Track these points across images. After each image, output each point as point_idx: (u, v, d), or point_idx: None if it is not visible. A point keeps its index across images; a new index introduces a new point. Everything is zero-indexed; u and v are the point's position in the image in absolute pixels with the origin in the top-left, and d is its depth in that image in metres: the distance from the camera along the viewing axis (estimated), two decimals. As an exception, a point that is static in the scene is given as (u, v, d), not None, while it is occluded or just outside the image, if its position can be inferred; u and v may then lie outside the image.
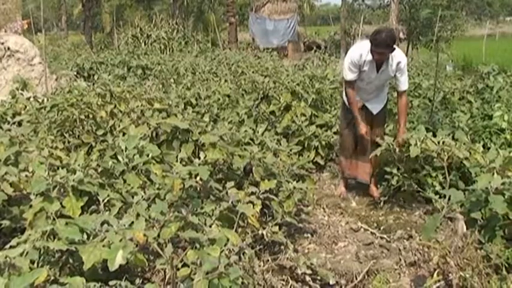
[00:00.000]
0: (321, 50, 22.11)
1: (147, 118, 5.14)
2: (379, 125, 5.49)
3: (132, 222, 3.04)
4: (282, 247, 3.93)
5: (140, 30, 20.61)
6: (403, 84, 5.19)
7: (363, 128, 5.27)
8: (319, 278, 3.62)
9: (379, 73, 5.13)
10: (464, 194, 4.11)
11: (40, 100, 6.62)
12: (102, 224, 2.95)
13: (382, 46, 4.85)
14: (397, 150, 5.05)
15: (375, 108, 5.42)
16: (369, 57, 5.02)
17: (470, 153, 4.81)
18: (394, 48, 4.93)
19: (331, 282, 3.62)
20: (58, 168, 3.72)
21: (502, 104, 6.76)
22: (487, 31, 24.21)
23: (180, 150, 4.55)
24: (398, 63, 5.04)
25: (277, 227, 3.86)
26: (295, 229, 4.60)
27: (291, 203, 4.14)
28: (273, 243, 3.92)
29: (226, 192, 3.74)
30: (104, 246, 2.75)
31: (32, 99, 6.63)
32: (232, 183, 3.85)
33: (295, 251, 3.95)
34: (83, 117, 5.30)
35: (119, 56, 14.38)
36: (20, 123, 5.58)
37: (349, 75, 5.21)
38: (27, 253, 2.72)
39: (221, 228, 3.33)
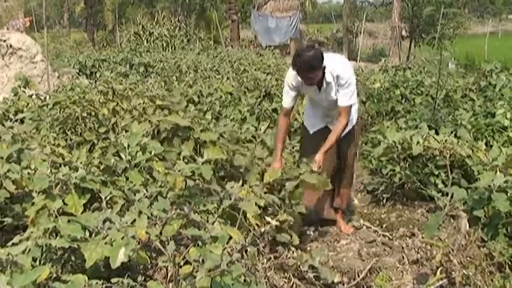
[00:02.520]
0: (324, 47, 22.09)
1: (148, 115, 5.14)
2: (348, 151, 4.67)
3: (135, 220, 3.04)
4: (285, 244, 3.93)
5: (142, 28, 20.61)
6: (342, 99, 4.26)
7: (272, 165, 4.34)
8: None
9: (321, 92, 4.33)
10: (467, 192, 4.11)
11: (42, 98, 6.64)
12: (104, 221, 2.95)
13: (305, 70, 4.04)
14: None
15: None
16: None
17: (472, 151, 4.80)
18: (324, 67, 4.09)
19: (335, 281, 3.61)
20: (60, 166, 3.72)
21: (504, 102, 6.75)
22: (490, 29, 24.18)
23: (181, 148, 4.55)
24: (338, 77, 4.20)
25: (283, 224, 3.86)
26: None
27: (298, 194, 4.10)
28: (275, 241, 3.91)
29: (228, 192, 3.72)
30: (106, 243, 2.75)
31: (34, 96, 6.64)
32: (232, 183, 3.85)
33: (299, 248, 3.94)
34: (85, 114, 5.30)
35: (121, 54, 14.40)
36: (22, 121, 5.60)
37: (285, 101, 4.45)
38: (29, 250, 2.72)
39: (223, 225, 3.32)
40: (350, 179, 4.83)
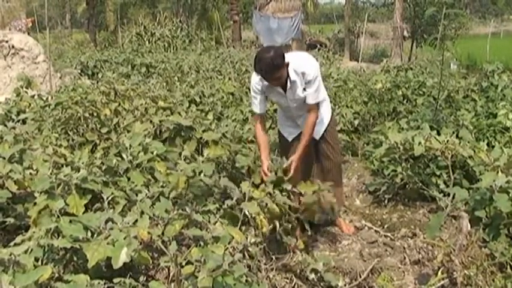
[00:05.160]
0: (326, 48, 22.10)
1: (150, 115, 5.15)
2: (330, 153, 4.52)
3: (136, 220, 3.05)
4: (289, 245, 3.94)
5: (144, 29, 20.67)
6: (310, 97, 4.13)
7: (264, 166, 4.19)
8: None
9: (287, 94, 4.18)
10: (469, 192, 4.11)
11: (44, 98, 6.65)
12: (106, 221, 2.95)
13: (270, 72, 3.89)
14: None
15: (315, 132, 4.35)
16: None
17: (474, 151, 4.79)
18: (286, 64, 3.95)
19: (339, 285, 3.62)
20: (62, 166, 3.73)
21: (506, 103, 6.74)
22: (492, 29, 24.16)
23: (183, 148, 4.55)
24: (303, 74, 4.05)
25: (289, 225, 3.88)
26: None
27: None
28: (278, 242, 3.91)
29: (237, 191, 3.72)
30: (108, 243, 2.75)
31: (36, 97, 6.66)
32: (246, 183, 3.85)
33: (303, 251, 3.95)
34: (87, 115, 5.31)
35: (123, 54, 14.43)
36: (24, 121, 5.61)
37: (254, 106, 4.31)
38: (31, 251, 2.73)
39: (225, 226, 3.33)
40: (338, 177, 4.68)
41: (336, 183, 4.52)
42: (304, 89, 4.13)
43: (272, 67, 3.85)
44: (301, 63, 4.07)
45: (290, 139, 4.50)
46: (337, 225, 4.75)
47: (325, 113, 4.48)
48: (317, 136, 4.43)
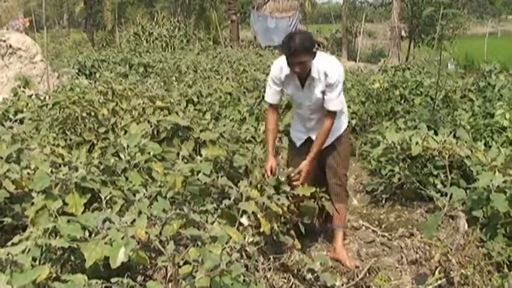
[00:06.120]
0: (323, 48, 22.11)
1: (148, 115, 5.15)
2: (337, 165, 4.27)
3: (134, 220, 3.05)
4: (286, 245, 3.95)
5: (142, 28, 20.62)
6: (331, 103, 3.98)
7: (266, 164, 4.17)
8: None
9: (305, 90, 4.04)
10: (466, 192, 4.12)
11: (42, 98, 6.64)
12: (104, 221, 2.95)
13: (299, 52, 3.76)
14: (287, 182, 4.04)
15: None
16: (289, 71, 3.96)
17: (471, 151, 4.81)
18: (315, 53, 3.88)
19: (336, 285, 3.62)
20: (60, 166, 3.72)
21: (503, 103, 6.75)
22: (489, 29, 24.23)
23: (181, 148, 4.55)
24: (326, 74, 3.91)
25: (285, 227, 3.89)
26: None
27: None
28: (275, 242, 3.92)
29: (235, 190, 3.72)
30: (105, 243, 2.75)
31: (33, 96, 6.65)
32: (244, 181, 3.86)
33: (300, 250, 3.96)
34: (84, 114, 5.29)
35: (120, 54, 14.42)
36: (21, 121, 5.60)
37: (267, 95, 4.24)
38: (29, 250, 2.72)
39: (223, 225, 3.33)
40: (343, 195, 4.36)
41: (341, 199, 4.33)
42: (323, 92, 3.99)
43: (302, 47, 3.74)
44: (326, 64, 3.94)
45: (298, 144, 4.36)
46: (340, 258, 4.26)
47: (341, 122, 4.27)
48: (326, 143, 4.17)
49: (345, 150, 4.31)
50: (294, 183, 4.04)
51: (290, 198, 3.96)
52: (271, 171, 4.08)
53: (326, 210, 4.26)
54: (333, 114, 4.03)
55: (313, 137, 4.17)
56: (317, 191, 4.13)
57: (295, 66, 3.85)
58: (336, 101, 3.99)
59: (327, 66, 3.92)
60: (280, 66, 4.03)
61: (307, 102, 4.12)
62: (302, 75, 3.97)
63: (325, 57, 4.02)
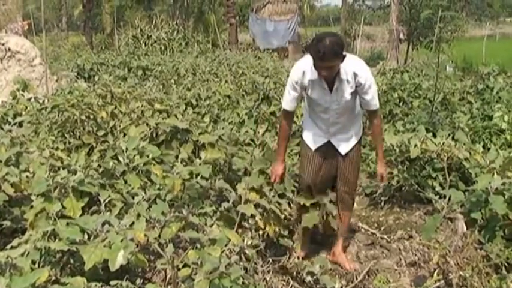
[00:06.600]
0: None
1: (146, 118, 5.15)
2: (348, 173, 4.07)
3: (133, 223, 3.05)
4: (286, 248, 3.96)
5: (141, 31, 20.62)
6: (370, 102, 3.84)
7: (274, 169, 4.06)
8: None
9: (333, 93, 3.78)
10: (465, 194, 4.13)
11: (41, 101, 6.64)
12: (103, 224, 2.95)
13: (329, 57, 3.49)
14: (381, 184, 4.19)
15: (341, 146, 4.02)
16: (315, 75, 3.71)
17: (470, 153, 4.82)
18: (345, 56, 3.59)
19: (335, 287, 3.62)
20: (59, 169, 3.73)
21: (502, 105, 6.78)
22: (487, 32, 24.26)
23: (180, 151, 4.56)
24: (355, 75, 3.71)
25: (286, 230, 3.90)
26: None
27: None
28: (274, 244, 3.92)
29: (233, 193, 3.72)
30: (104, 246, 2.76)
31: (32, 100, 6.65)
32: (242, 184, 3.86)
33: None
34: (83, 118, 5.30)
35: (119, 57, 14.42)
36: (20, 124, 5.60)
37: (285, 102, 3.95)
38: (28, 253, 2.73)
39: (222, 228, 3.34)
40: (350, 204, 4.26)
41: (348, 208, 4.24)
42: (352, 94, 3.80)
43: (331, 52, 3.48)
44: (352, 64, 3.72)
45: (314, 148, 4.04)
46: (339, 260, 4.23)
47: (357, 128, 4.13)
48: (342, 150, 4.02)
49: (357, 158, 4.15)
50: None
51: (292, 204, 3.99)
52: (279, 177, 4.01)
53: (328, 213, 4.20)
54: (376, 113, 3.96)
55: (334, 142, 4.00)
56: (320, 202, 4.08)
57: (323, 71, 3.61)
58: (375, 100, 3.86)
59: (354, 66, 3.73)
60: (302, 70, 3.77)
61: (334, 106, 3.86)
62: (329, 79, 3.72)
63: (351, 58, 3.76)
